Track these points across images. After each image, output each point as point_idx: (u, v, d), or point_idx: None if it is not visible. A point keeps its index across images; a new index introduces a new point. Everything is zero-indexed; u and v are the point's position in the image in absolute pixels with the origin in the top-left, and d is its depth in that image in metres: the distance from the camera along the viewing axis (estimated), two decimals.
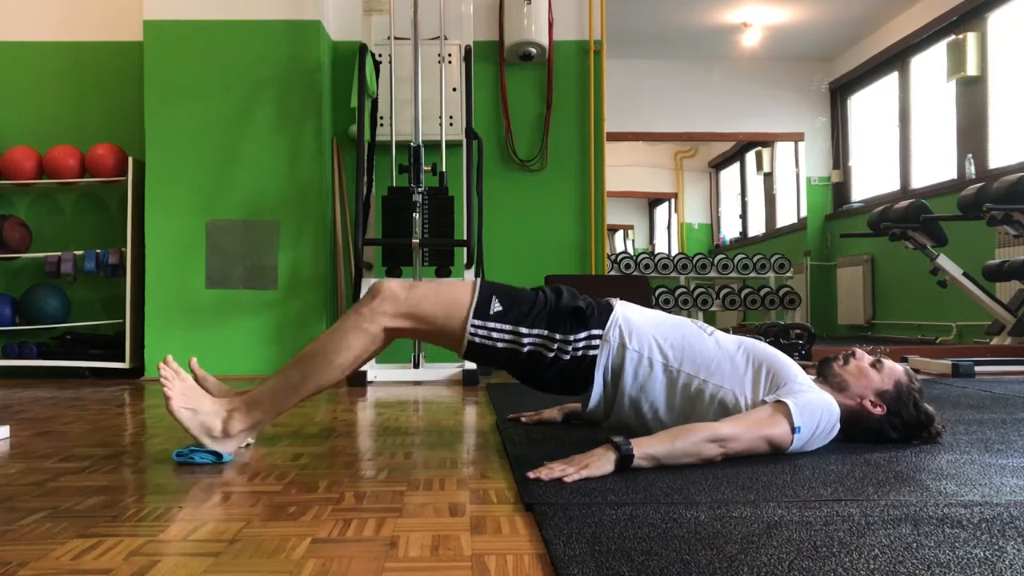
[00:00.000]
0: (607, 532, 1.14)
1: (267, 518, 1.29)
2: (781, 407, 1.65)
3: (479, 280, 1.86)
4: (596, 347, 1.79)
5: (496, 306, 1.78)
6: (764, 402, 1.69)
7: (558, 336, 1.77)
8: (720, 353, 1.79)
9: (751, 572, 0.98)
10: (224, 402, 1.79)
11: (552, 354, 1.77)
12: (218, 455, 1.74)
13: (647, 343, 1.80)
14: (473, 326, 1.76)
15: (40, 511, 1.34)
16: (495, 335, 1.77)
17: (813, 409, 1.68)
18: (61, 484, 1.55)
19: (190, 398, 1.75)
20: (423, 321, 1.79)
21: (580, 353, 1.78)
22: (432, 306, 1.78)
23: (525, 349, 1.77)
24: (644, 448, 1.54)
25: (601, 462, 1.50)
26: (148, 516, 1.31)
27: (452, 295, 1.80)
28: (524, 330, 1.77)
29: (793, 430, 1.64)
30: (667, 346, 1.80)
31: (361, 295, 3.72)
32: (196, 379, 1.91)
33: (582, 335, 1.78)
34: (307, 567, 1.05)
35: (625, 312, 1.85)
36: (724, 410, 1.74)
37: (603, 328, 1.80)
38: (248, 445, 1.94)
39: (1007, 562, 1.01)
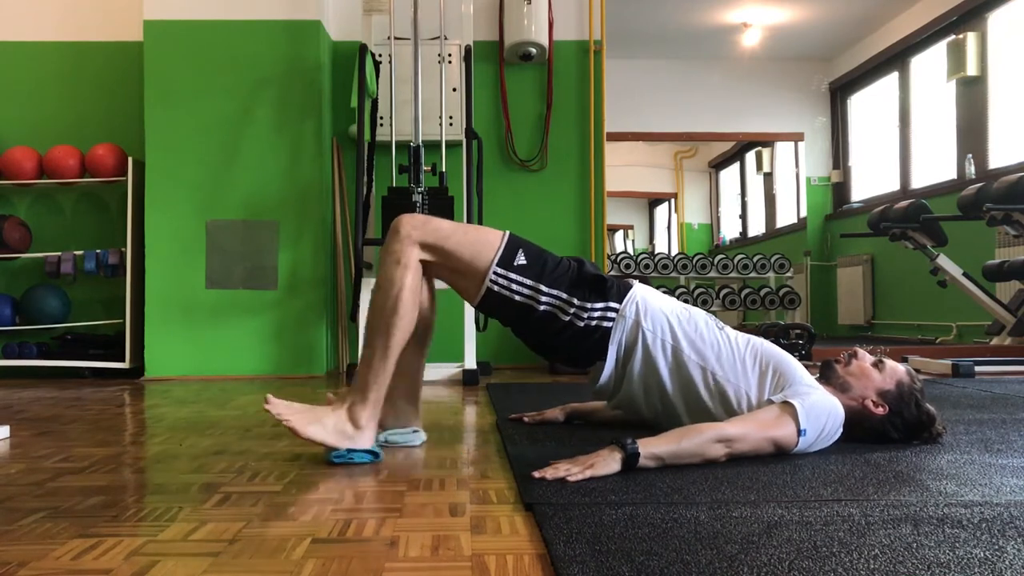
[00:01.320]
0: (607, 532, 1.14)
1: (267, 518, 1.29)
2: (788, 408, 1.65)
3: (508, 231, 1.87)
4: (611, 319, 1.81)
5: (521, 259, 1.80)
6: (770, 402, 1.70)
7: (576, 301, 1.79)
8: (730, 347, 1.81)
9: (751, 572, 0.98)
10: (338, 403, 1.79)
11: (567, 318, 1.79)
12: (374, 454, 1.75)
13: (661, 325, 1.82)
14: (495, 273, 1.78)
15: (40, 511, 1.34)
16: (515, 287, 1.78)
17: (819, 411, 1.69)
18: (61, 484, 1.55)
19: (311, 416, 1.73)
20: (448, 257, 1.79)
21: (595, 323, 1.80)
22: (458, 244, 1.79)
23: (541, 308, 1.79)
24: (650, 448, 1.54)
25: (606, 462, 1.51)
26: (148, 516, 1.31)
27: (480, 237, 1.82)
28: (544, 288, 1.79)
29: (799, 432, 1.65)
30: (680, 332, 1.82)
31: (361, 296, 3.72)
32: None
33: (599, 305, 1.81)
34: (307, 567, 1.05)
35: (644, 293, 1.88)
36: (727, 402, 1.76)
37: (620, 303, 1.83)
38: (422, 442, 1.95)
39: (1007, 562, 1.01)
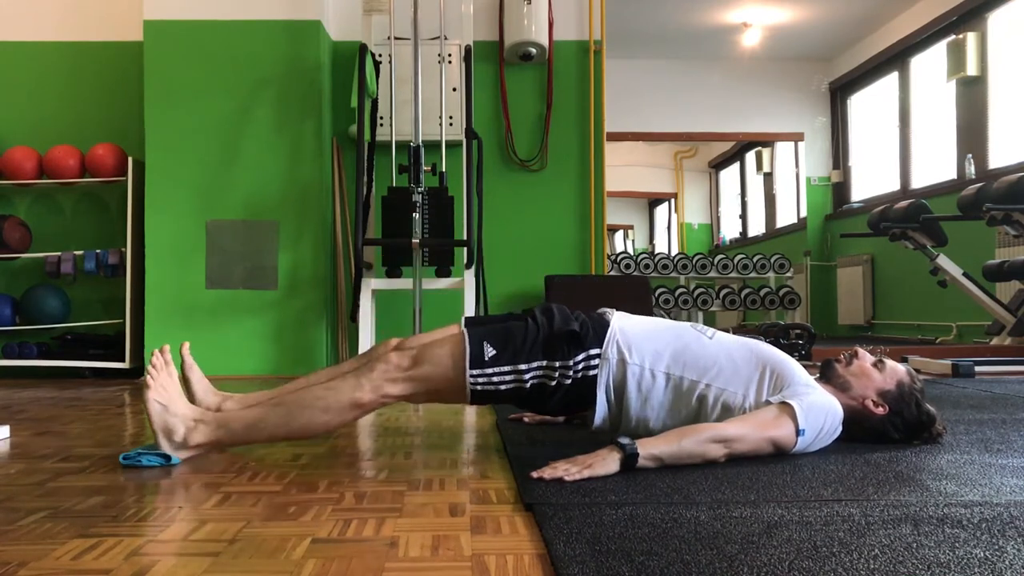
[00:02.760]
0: (607, 532, 1.14)
1: (267, 518, 1.29)
2: (786, 408, 1.65)
3: (464, 325, 1.83)
4: (596, 366, 1.77)
5: (489, 351, 1.74)
6: (769, 403, 1.69)
7: (557, 363, 1.74)
8: (722, 355, 1.78)
9: (751, 572, 0.98)
10: (196, 412, 1.77)
11: (554, 382, 1.75)
12: (167, 457, 1.72)
13: (647, 354, 1.77)
14: (472, 376, 1.73)
15: (40, 511, 1.34)
16: (496, 379, 1.74)
17: (818, 411, 1.68)
18: (61, 484, 1.55)
19: (167, 394, 1.73)
20: (424, 383, 1.75)
21: (580, 375, 1.76)
22: (431, 368, 1.75)
23: (528, 384, 1.75)
24: (649, 449, 1.54)
25: (605, 462, 1.51)
26: (148, 516, 1.31)
27: (443, 349, 1.76)
28: (523, 366, 1.74)
29: (798, 432, 1.64)
30: (668, 354, 1.77)
31: (361, 296, 3.72)
32: (184, 366, 1.93)
33: (580, 356, 1.76)
34: (307, 567, 1.05)
35: (622, 325, 1.82)
36: (728, 413, 1.74)
37: (600, 346, 1.78)
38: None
39: (1007, 562, 1.01)
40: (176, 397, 1.76)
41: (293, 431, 1.76)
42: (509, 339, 1.76)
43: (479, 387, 1.74)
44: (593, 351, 1.77)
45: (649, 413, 1.79)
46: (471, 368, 1.73)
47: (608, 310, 1.90)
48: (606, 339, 1.79)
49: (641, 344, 1.79)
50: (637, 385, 1.77)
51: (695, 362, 1.77)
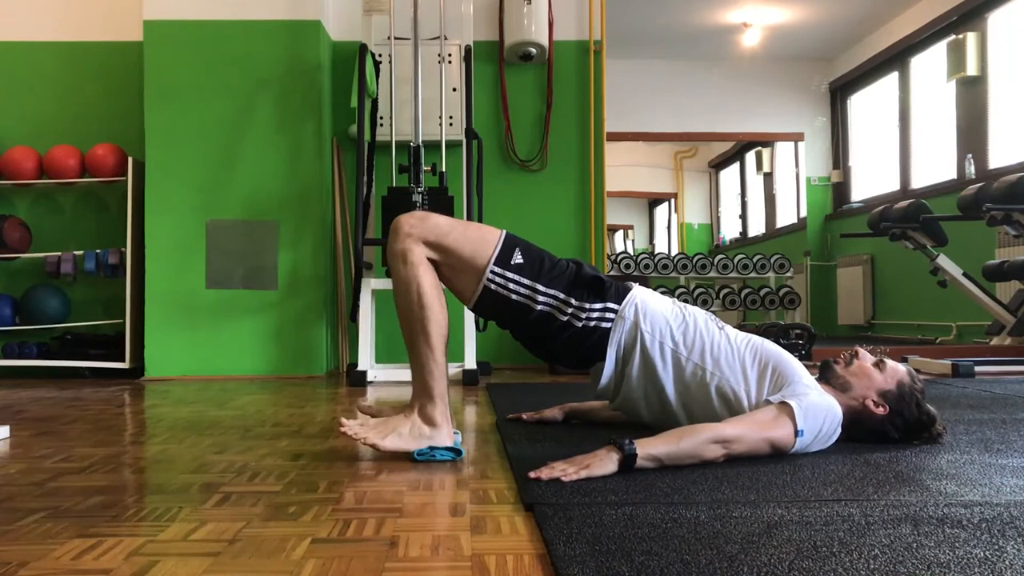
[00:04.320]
0: (607, 532, 1.14)
1: (267, 518, 1.29)
2: (785, 409, 1.65)
3: (505, 230, 1.86)
4: (610, 320, 1.81)
5: (518, 258, 1.79)
6: (768, 402, 1.69)
7: (573, 301, 1.79)
8: (729, 347, 1.81)
9: (751, 572, 0.98)
10: (407, 409, 1.79)
11: (565, 318, 1.79)
12: (456, 451, 1.75)
13: (660, 327, 1.82)
14: (492, 272, 1.77)
15: (40, 511, 1.34)
16: (511, 286, 1.78)
17: (817, 412, 1.68)
18: (61, 484, 1.55)
19: (385, 428, 1.74)
20: (448, 254, 1.78)
21: (593, 324, 1.80)
22: (457, 240, 1.78)
23: (538, 307, 1.78)
24: (647, 449, 1.54)
25: (603, 463, 1.51)
26: (148, 516, 1.31)
27: (479, 234, 1.81)
28: (541, 287, 1.78)
29: (796, 433, 1.64)
30: (679, 333, 1.82)
31: (361, 296, 3.73)
32: (371, 414, 1.92)
33: (597, 305, 1.80)
34: (307, 567, 1.05)
35: (643, 295, 1.87)
36: (726, 402, 1.76)
37: (619, 304, 1.83)
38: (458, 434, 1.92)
39: (1007, 562, 1.01)
40: (388, 423, 1.76)
41: (428, 327, 1.75)
42: (540, 259, 1.82)
43: (493, 285, 1.78)
44: (611, 305, 1.82)
45: (650, 385, 1.83)
46: (494, 264, 1.77)
47: (631, 283, 1.93)
48: (626, 300, 1.84)
49: (656, 316, 1.83)
50: (645, 353, 1.81)
51: (703, 346, 1.81)
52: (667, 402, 1.83)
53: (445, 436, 1.76)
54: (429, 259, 1.79)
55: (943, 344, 5.22)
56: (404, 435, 1.74)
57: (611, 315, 1.81)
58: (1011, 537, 1.12)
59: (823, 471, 1.55)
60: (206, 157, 4.07)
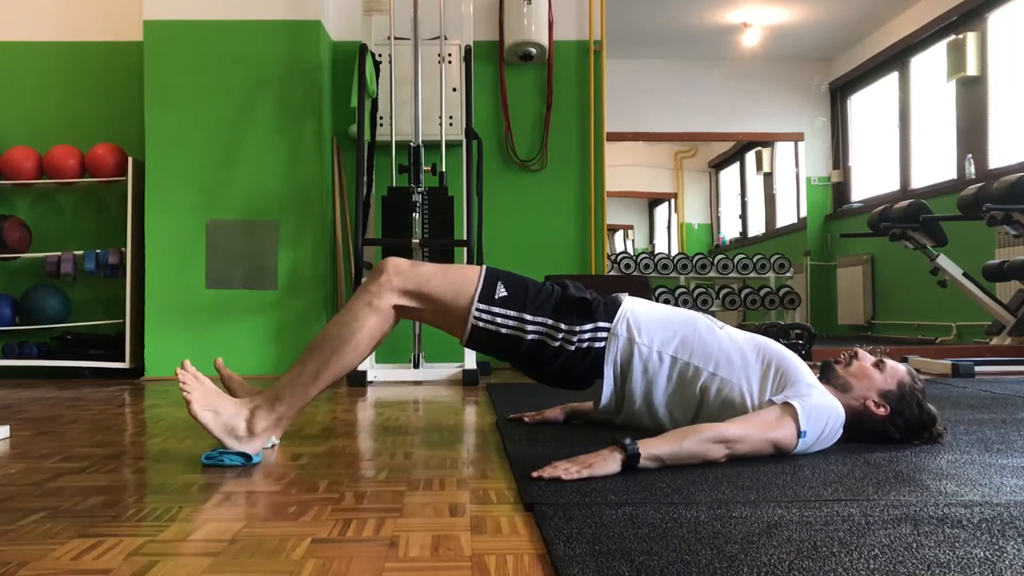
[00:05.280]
0: (607, 532, 1.14)
1: (267, 518, 1.29)
2: (788, 409, 1.65)
3: (485, 265, 1.85)
4: (603, 340, 1.79)
5: (501, 291, 1.78)
6: (771, 402, 1.69)
7: (563, 326, 1.77)
8: (731, 347, 1.79)
9: (751, 572, 0.98)
10: (246, 401, 1.78)
11: (556, 344, 1.77)
12: (247, 456, 1.72)
13: (657, 337, 1.80)
14: (478, 310, 1.76)
15: (40, 511, 1.34)
16: (499, 320, 1.77)
17: (820, 413, 1.68)
18: (61, 484, 1.55)
19: (211, 400, 1.73)
20: (430, 301, 1.78)
21: (585, 345, 1.78)
22: (439, 285, 1.78)
23: (528, 337, 1.77)
24: (650, 449, 1.54)
25: (606, 462, 1.50)
26: (148, 516, 1.31)
27: (460, 276, 1.80)
28: (528, 317, 1.77)
29: (799, 433, 1.64)
30: (677, 340, 1.80)
31: None
32: (222, 379, 1.92)
33: (588, 326, 1.78)
34: (307, 567, 1.05)
35: (634, 307, 1.85)
36: (731, 405, 1.75)
37: (610, 321, 1.80)
38: (273, 445, 1.92)
39: (1007, 562, 1.01)
40: (219, 398, 1.75)
41: (337, 362, 1.76)
42: (523, 288, 1.81)
43: (481, 323, 1.77)
44: (602, 324, 1.80)
45: (652, 396, 1.81)
46: (479, 301, 1.76)
47: (620, 294, 1.91)
48: (617, 316, 1.82)
49: (651, 327, 1.81)
50: (643, 366, 1.79)
51: (703, 349, 1.78)
52: (671, 410, 1.80)
53: (251, 448, 1.73)
54: (409, 307, 1.78)
55: (943, 344, 5.22)
56: (219, 418, 1.71)
57: (603, 334, 1.79)
58: (1011, 537, 1.12)
59: (823, 471, 1.55)
60: (206, 157, 4.07)
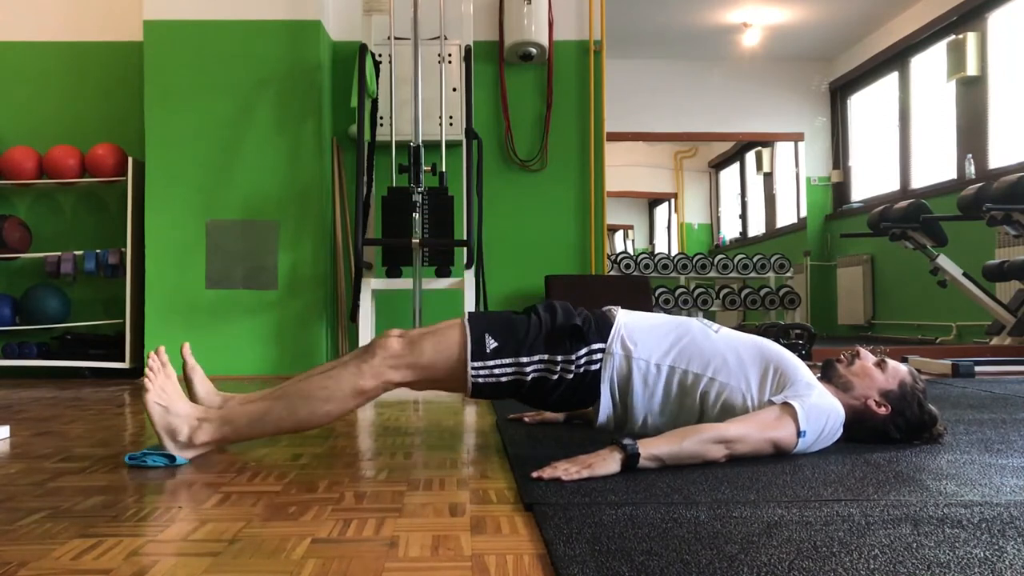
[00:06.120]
0: (607, 532, 1.14)
1: (267, 518, 1.29)
2: (788, 409, 1.65)
3: (467, 318, 1.81)
4: (598, 361, 1.77)
5: (491, 343, 1.75)
6: (771, 403, 1.68)
7: (559, 358, 1.75)
8: (727, 350, 1.77)
9: (751, 572, 0.98)
10: (199, 410, 1.77)
11: (556, 376, 1.75)
12: (171, 458, 1.71)
13: (654, 348, 1.77)
14: (474, 368, 1.74)
15: (40, 511, 1.34)
16: (497, 371, 1.75)
17: (819, 413, 1.68)
18: (61, 484, 1.55)
19: (167, 396, 1.73)
20: (423, 372, 1.76)
21: (583, 369, 1.76)
22: (431, 358, 1.75)
23: (529, 377, 1.75)
24: (650, 449, 1.54)
25: (606, 462, 1.50)
26: (148, 516, 1.31)
27: (446, 340, 1.76)
28: (525, 359, 1.74)
29: (799, 433, 1.64)
30: (674, 349, 1.78)
31: (361, 296, 3.72)
32: (185, 367, 1.92)
33: (582, 351, 1.76)
34: (307, 567, 1.05)
35: (627, 321, 1.82)
36: (730, 410, 1.74)
37: (604, 341, 1.78)
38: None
39: (1007, 562, 1.01)
40: (176, 398, 1.76)
41: (298, 422, 1.77)
42: (511, 332, 1.77)
43: (480, 379, 1.75)
44: (596, 345, 1.77)
45: (654, 408, 1.79)
46: (472, 361, 1.74)
47: (613, 308, 1.89)
48: (611, 334, 1.79)
49: (647, 339, 1.79)
50: (643, 380, 1.77)
51: (700, 356, 1.77)
52: (673, 420, 1.78)
53: (186, 455, 1.73)
54: (409, 382, 1.77)
55: (943, 344, 5.22)
56: (166, 416, 1.71)
57: (599, 355, 1.77)
58: (1011, 537, 1.12)
59: (823, 471, 1.55)
60: (206, 157, 4.07)
